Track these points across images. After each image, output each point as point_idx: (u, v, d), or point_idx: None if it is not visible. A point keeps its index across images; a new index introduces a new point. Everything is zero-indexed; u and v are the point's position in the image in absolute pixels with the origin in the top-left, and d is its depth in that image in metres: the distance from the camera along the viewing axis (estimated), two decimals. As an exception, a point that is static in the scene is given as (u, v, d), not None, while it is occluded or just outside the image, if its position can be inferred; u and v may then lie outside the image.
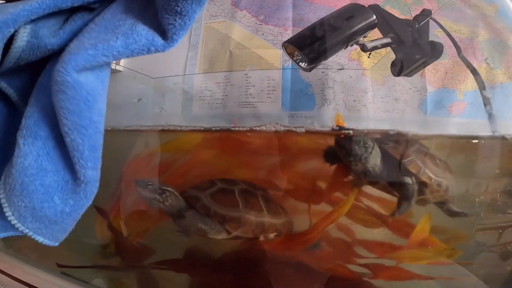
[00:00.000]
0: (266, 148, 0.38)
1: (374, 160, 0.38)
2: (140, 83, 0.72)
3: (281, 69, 0.63)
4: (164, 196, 0.34)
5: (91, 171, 0.20)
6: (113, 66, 0.78)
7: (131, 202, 0.32)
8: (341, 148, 0.37)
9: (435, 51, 0.41)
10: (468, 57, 0.56)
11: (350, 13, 0.36)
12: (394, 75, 0.43)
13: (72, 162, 0.20)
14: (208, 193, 0.36)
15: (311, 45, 0.35)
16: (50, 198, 0.20)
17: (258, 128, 0.41)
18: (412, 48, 0.39)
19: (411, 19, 0.67)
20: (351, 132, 0.39)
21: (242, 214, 0.35)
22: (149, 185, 0.35)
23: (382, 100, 0.59)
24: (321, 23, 0.37)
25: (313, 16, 0.70)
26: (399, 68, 0.40)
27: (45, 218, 0.20)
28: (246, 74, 0.64)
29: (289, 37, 0.70)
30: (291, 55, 0.39)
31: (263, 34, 0.69)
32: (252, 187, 0.38)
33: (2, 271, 0.42)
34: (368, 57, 0.47)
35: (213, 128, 0.43)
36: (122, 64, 0.79)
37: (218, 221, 0.34)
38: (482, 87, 0.41)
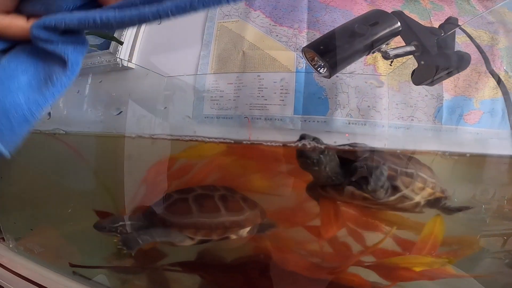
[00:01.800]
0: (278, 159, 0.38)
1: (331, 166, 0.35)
2: (152, 81, 0.72)
3: (295, 72, 0.63)
4: (119, 231, 0.37)
5: None
6: (125, 63, 0.78)
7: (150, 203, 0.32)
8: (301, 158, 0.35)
9: (463, 62, 0.40)
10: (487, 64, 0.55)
11: (374, 19, 0.35)
12: (415, 84, 0.42)
13: None
14: (163, 206, 0.37)
15: (333, 51, 0.34)
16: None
17: (270, 144, 0.40)
18: (437, 58, 0.38)
19: (430, 24, 0.65)
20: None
21: (196, 219, 0.36)
22: (103, 227, 0.39)
23: (397, 106, 0.58)
24: (344, 29, 0.36)
25: (328, 19, 0.69)
26: (421, 77, 0.39)
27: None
28: (258, 76, 0.64)
29: (303, 39, 0.69)
30: (310, 60, 0.38)
31: (277, 35, 0.68)
32: (209, 190, 0.38)
33: (10, 269, 0.43)
34: (390, 64, 0.46)
35: (227, 140, 0.43)
36: (134, 61, 0.79)
37: (177, 230, 0.35)
38: (507, 98, 0.40)
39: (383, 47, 0.37)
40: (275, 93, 0.62)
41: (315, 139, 0.36)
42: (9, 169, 0.46)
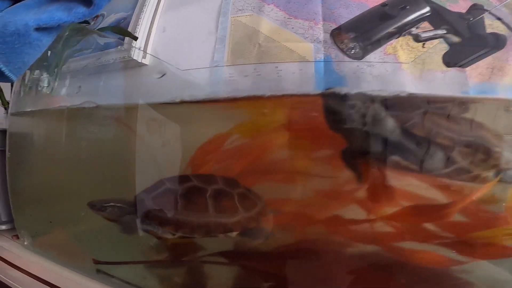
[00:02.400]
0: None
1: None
2: (166, 76, 0.72)
3: (314, 61, 0.62)
4: (108, 211, 0.38)
5: None
6: (138, 59, 0.78)
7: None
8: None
9: (499, 41, 0.39)
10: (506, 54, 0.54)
11: (404, 3, 0.35)
12: (447, 66, 0.41)
13: None
14: (152, 194, 0.35)
15: (366, 33, 0.34)
16: None
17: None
18: (471, 39, 0.37)
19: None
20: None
21: (179, 216, 0.34)
22: (94, 205, 0.39)
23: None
24: (375, 11, 0.35)
25: (344, 11, 0.68)
26: (455, 59, 0.39)
27: None
28: (276, 67, 0.63)
29: (319, 31, 0.68)
30: (339, 42, 0.37)
31: (292, 28, 0.68)
32: (205, 182, 0.36)
33: (26, 271, 0.41)
34: (423, 46, 0.45)
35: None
36: (149, 56, 0.78)
37: (157, 224, 0.34)
38: None
39: (414, 30, 0.37)
40: (294, 84, 0.61)
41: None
42: (29, 156, 0.44)
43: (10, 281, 0.41)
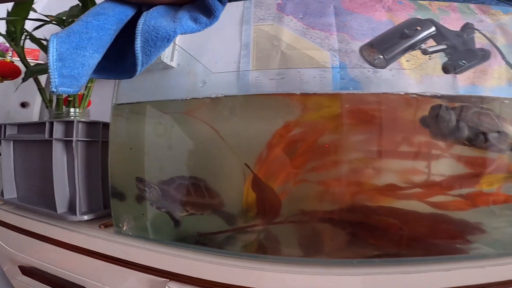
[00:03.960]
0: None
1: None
2: (192, 78, 0.79)
3: (331, 68, 0.72)
4: (150, 189, 0.50)
5: None
6: (167, 61, 0.85)
7: (275, 163, 0.40)
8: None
9: (485, 55, 0.51)
10: (490, 60, 0.66)
11: (417, 25, 0.45)
12: (445, 73, 0.52)
13: None
14: (171, 187, 0.50)
15: (389, 48, 0.44)
16: None
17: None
18: (465, 53, 0.48)
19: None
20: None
21: (190, 199, 0.49)
22: (142, 181, 0.51)
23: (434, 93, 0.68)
24: (395, 31, 0.46)
25: (354, 24, 0.79)
26: (451, 69, 0.50)
27: None
28: (299, 72, 0.73)
29: (334, 41, 0.79)
30: (367, 55, 0.47)
31: (310, 37, 0.78)
32: (195, 180, 0.50)
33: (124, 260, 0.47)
34: (429, 58, 0.56)
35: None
36: (175, 59, 0.86)
37: (180, 204, 0.49)
38: None
39: (423, 45, 0.48)
40: (314, 87, 0.72)
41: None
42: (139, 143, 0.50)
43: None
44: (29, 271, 0.60)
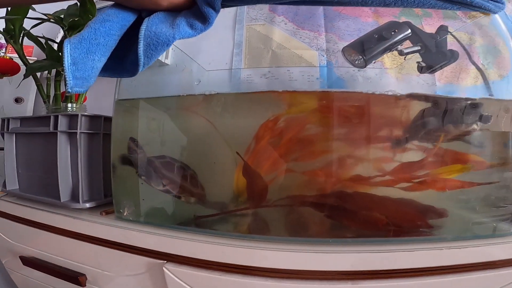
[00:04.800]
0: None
1: None
2: (187, 75, 0.82)
3: (319, 66, 0.77)
4: (140, 151, 0.53)
5: None
6: (162, 59, 0.88)
7: (262, 152, 0.44)
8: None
9: (454, 56, 0.55)
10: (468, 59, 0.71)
11: (394, 28, 0.50)
12: (420, 72, 0.56)
13: None
14: (159, 160, 0.53)
15: (368, 50, 0.48)
16: None
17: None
18: (437, 54, 0.53)
19: (422, 27, 0.81)
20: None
21: (171, 176, 0.52)
22: (135, 141, 0.53)
23: (401, 93, 0.73)
24: (374, 34, 0.50)
25: (342, 24, 0.83)
26: (425, 68, 0.54)
27: None
28: (288, 70, 0.77)
29: (322, 41, 0.83)
30: (348, 55, 0.52)
31: (300, 37, 0.82)
32: (186, 167, 0.53)
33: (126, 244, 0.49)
34: (404, 59, 0.60)
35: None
36: (170, 57, 0.89)
37: (159, 177, 0.52)
38: (486, 82, 0.55)
39: (399, 47, 0.52)
40: (303, 84, 0.76)
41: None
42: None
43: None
44: (29, 261, 0.62)
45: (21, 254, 0.65)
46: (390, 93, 0.52)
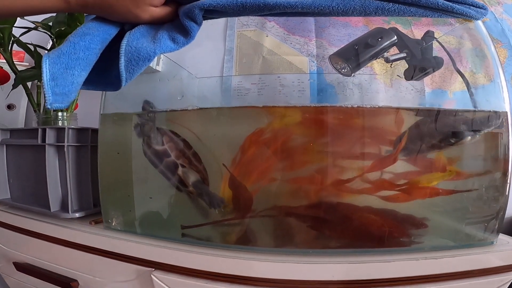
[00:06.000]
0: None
1: None
2: (179, 82, 0.82)
3: (309, 73, 0.77)
4: (150, 117, 0.53)
5: None
6: (154, 66, 0.88)
7: (247, 164, 0.44)
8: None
9: (438, 63, 0.56)
10: (457, 64, 0.71)
11: (380, 35, 0.50)
12: (407, 79, 0.57)
13: None
14: (168, 134, 0.52)
15: (354, 58, 0.49)
16: None
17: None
18: (422, 61, 0.53)
19: (411, 31, 0.81)
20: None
21: (172, 137, 0.52)
22: (149, 103, 0.55)
23: (391, 98, 0.74)
24: (360, 42, 0.50)
25: (332, 30, 0.83)
26: (411, 75, 0.54)
27: None
28: (278, 77, 0.78)
29: (313, 47, 0.83)
30: (335, 63, 0.52)
31: (291, 43, 0.82)
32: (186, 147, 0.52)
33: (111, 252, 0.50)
34: (390, 66, 0.60)
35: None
36: (161, 63, 0.89)
37: (161, 134, 0.51)
38: (469, 89, 0.56)
39: (385, 54, 0.52)
40: (293, 91, 0.76)
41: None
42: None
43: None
44: (23, 267, 0.63)
45: (14, 260, 0.66)
46: (368, 106, 0.52)
